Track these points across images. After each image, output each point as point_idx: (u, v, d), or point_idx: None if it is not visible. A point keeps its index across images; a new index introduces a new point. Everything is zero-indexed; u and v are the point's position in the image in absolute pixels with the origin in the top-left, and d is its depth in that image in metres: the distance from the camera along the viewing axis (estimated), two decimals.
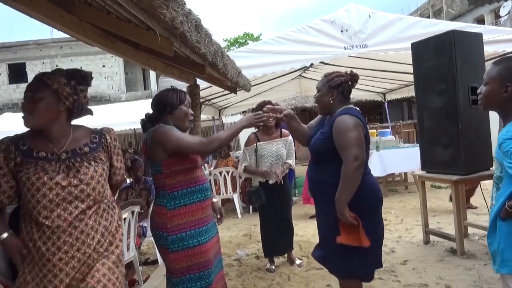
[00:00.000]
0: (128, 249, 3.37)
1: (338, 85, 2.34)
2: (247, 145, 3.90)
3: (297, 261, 3.83)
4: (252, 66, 5.24)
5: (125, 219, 3.25)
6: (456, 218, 3.46)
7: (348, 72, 2.42)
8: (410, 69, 7.18)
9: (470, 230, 4.06)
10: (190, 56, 2.56)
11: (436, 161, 3.65)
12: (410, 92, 9.61)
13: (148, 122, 2.29)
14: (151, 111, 2.32)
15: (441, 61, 3.49)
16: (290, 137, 3.89)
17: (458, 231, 3.46)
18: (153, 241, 2.43)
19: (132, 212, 3.38)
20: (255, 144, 3.82)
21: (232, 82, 3.91)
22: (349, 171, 2.13)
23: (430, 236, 3.98)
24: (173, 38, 2.07)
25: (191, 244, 2.13)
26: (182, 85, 4.95)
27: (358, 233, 2.18)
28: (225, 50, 3.24)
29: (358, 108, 2.43)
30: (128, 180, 4.58)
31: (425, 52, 3.67)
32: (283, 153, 3.79)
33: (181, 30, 1.88)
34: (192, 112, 2.31)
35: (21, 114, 1.79)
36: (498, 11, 17.69)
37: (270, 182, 3.66)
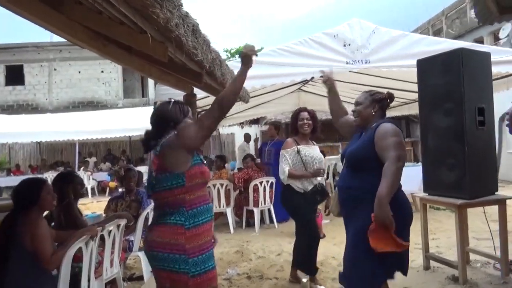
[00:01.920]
0: (111, 265, 3.17)
1: (380, 100, 2.55)
2: (285, 147, 3.69)
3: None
4: (252, 77, 4.97)
5: (109, 232, 3.07)
6: (460, 245, 3.29)
7: (386, 92, 2.62)
8: (411, 87, 7.18)
9: (472, 256, 3.88)
10: (187, 63, 2.41)
11: (439, 183, 3.50)
12: (410, 110, 9.52)
13: (150, 139, 2.07)
14: (150, 125, 2.12)
15: (448, 80, 3.36)
16: None
17: (461, 258, 3.29)
18: (148, 262, 2.14)
19: (118, 226, 3.19)
20: (296, 146, 3.63)
21: None
22: (393, 168, 2.19)
23: (431, 261, 3.80)
24: (168, 42, 1.93)
25: (210, 266, 1.99)
26: (179, 94, 4.81)
27: (390, 238, 2.17)
28: (225, 60, 3.10)
29: None
30: (119, 190, 4.39)
31: (431, 69, 3.55)
32: (322, 158, 3.75)
33: (176, 34, 1.74)
34: None
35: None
36: (498, 33, 17.78)
37: (319, 179, 3.61)
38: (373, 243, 2.17)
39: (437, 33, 25.56)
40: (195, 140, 1.91)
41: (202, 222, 1.98)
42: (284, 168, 3.56)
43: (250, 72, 5.51)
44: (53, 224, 3.21)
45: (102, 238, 3.03)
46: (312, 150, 3.67)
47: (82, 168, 12.85)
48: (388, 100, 2.58)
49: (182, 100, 4.65)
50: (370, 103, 2.53)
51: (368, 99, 2.54)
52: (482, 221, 5.07)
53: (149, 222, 2.20)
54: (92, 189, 12.45)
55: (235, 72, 4.04)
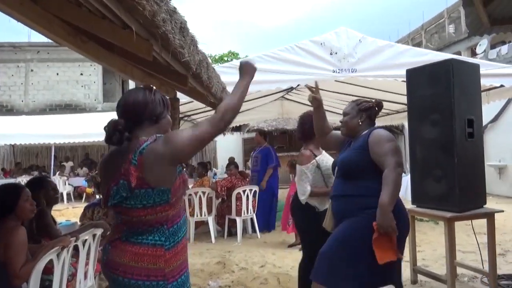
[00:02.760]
0: (85, 277, 2.96)
1: (367, 109, 2.53)
2: (303, 163, 3.17)
3: None
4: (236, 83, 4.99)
5: (84, 242, 2.87)
6: (449, 259, 3.22)
7: (374, 100, 2.63)
8: (395, 97, 7.22)
9: (459, 270, 3.83)
10: (172, 64, 2.27)
11: (428, 195, 3.43)
12: (392, 120, 9.60)
13: (123, 132, 1.59)
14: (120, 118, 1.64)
15: (437, 90, 3.31)
16: None
17: (450, 273, 3.22)
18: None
19: (94, 235, 2.99)
20: (314, 160, 3.14)
21: (216, 98, 3.63)
22: (394, 175, 2.17)
23: (418, 274, 3.72)
24: (153, 39, 1.78)
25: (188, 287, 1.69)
26: None
27: (393, 247, 2.15)
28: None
29: None
30: (97, 197, 4.17)
31: (420, 79, 3.50)
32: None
33: (163, 30, 1.60)
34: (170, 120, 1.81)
35: None
36: (475, 48, 18.24)
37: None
38: (378, 254, 2.12)
39: (417, 46, 26.11)
40: (188, 153, 1.57)
41: (181, 238, 1.65)
42: (306, 188, 3.06)
43: (236, 78, 5.41)
44: None
45: (76, 248, 2.83)
46: (326, 159, 3.19)
47: (58, 172, 12.43)
48: (377, 108, 2.59)
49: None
50: (357, 113, 2.54)
51: (354, 109, 2.55)
52: (467, 234, 5.08)
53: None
54: (68, 194, 12.04)
55: (222, 77, 3.95)
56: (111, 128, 1.59)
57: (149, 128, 1.64)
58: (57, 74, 18.36)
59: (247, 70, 1.82)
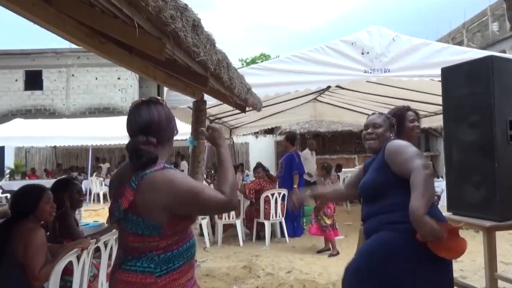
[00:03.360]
0: (108, 279, 2.96)
1: (395, 125, 2.43)
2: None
3: None
4: (265, 84, 4.92)
5: (106, 244, 2.87)
6: (488, 271, 2.97)
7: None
8: (431, 98, 6.88)
9: (500, 283, 3.54)
10: (189, 64, 2.22)
11: (464, 202, 3.19)
12: (430, 122, 9.19)
13: (152, 152, 1.48)
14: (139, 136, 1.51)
15: (476, 90, 3.08)
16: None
17: (490, 286, 2.97)
18: None
19: (116, 238, 2.99)
20: None
21: (240, 99, 3.56)
22: (422, 176, 1.92)
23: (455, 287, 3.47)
24: (165, 38, 1.73)
25: None
26: (189, 100, 4.65)
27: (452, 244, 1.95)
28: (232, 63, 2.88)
29: None
30: None
31: (457, 78, 3.27)
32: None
33: (172, 28, 1.54)
34: None
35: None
36: None
37: None
38: (450, 255, 1.99)
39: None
40: (184, 211, 1.49)
41: (180, 265, 1.52)
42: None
43: (264, 79, 5.33)
44: (47, 234, 3.03)
45: (99, 250, 2.84)
46: None
47: (95, 173, 12.82)
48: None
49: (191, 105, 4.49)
50: (389, 127, 2.40)
51: (386, 122, 2.40)
52: (510, 243, 4.74)
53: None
54: (104, 195, 12.38)
55: (247, 79, 3.88)
56: (140, 152, 1.46)
57: (165, 146, 1.57)
58: (96, 78, 19.03)
59: (214, 137, 1.66)
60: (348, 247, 5.07)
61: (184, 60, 2.12)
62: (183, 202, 1.44)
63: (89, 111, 18.80)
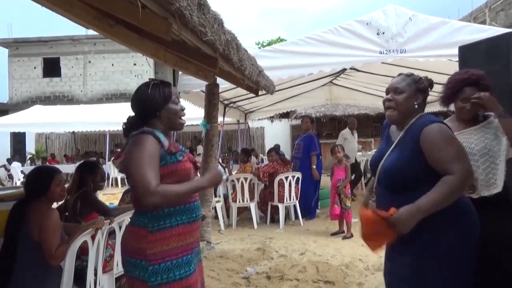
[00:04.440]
0: None
1: (426, 90, 1.98)
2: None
3: None
4: (277, 67, 4.87)
5: (121, 226, 2.93)
6: None
7: (425, 78, 2.04)
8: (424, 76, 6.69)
9: None
10: (197, 45, 2.21)
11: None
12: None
13: (130, 128, 1.82)
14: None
15: (495, 68, 2.97)
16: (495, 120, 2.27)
17: None
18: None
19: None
20: None
21: (251, 82, 3.54)
22: (457, 185, 1.71)
23: None
24: (171, 18, 1.72)
25: (177, 276, 1.70)
26: (201, 84, 4.64)
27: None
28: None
29: None
30: None
31: (474, 57, 3.17)
32: (493, 148, 2.17)
33: (177, 6, 1.53)
34: (184, 107, 1.88)
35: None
36: None
37: (474, 196, 2.14)
38: (367, 233, 1.83)
39: None
40: (127, 172, 1.70)
41: (172, 225, 1.71)
42: None
43: (276, 62, 5.26)
44: (67, 213, 3.12)
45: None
46: (467, 139, 2.20)
47: (112, 158, 13.04)
48: (429, 89, 2.02)
49: (203, 88, 4.48)
50: (414, 93, 1.94)
51: (412, 87, 1.94)
52: None
53: None
54: (122, 179, 12.60)
55: (259, 62, 3.84)
56: (124, 125, 1.87)
57: (153, 120, 1.80)
58: (112, 64, 19.19)
59: (212, 180, 1.88)
60: None
61: (192, 41, 2.11)
62: (127, 165, 1.67)
63: (106, 97, 19.04)
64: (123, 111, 10.93)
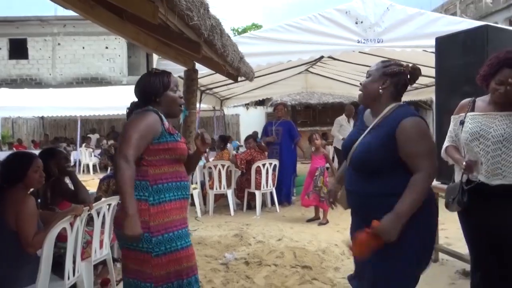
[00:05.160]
0: (101, 246, 3.00)
1: (394, 74, 1.95)
2: (457, 112, 2.48)
3: None
4: (257, 54, 4.84)
5: (98, 213, 2.88)
6: None
7: (410, 65, 2.03)
8: (425, 71, 6.82)
9: None
10: (182, 29, 2.17)
11: (453, 172, 3.26)
12: (418, 95, 9.23)
13: (133, 111, 2.04)
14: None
15: (470, 60, 3.07)
16: None
17: None
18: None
19: (109, 205, 3.00)
20: (465, 113, 2.34)
21: (233, 68, 3.52)
22: (425, 185, 1.81)
23: (439, 253, 3.60)
24: (159, 1, 1.67)
25: (179, 245, 1.89)
26: (179, 69, 4.56)
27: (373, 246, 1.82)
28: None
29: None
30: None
31: (451, 48, 3.27)
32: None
33: None
34: (182, 95, 2.08)
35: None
36: None
37: (472, 178, 2.22)
38: (356, 250, 1.88)
39: None
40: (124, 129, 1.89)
41: (170, 199, 1.90)
42: (446, 141, 2.52)
43: (256, 48, 5.23)
44: (38, 201, 3.03)
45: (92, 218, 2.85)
46: (492, 122, 2.16)
47: (84, 144, 12.72)
48: (409, 77, 1.99)
49: (182, 74, 4.43)
50: (380, 77, 1.96)
51: (379, 71, 1.97)
52: None
53: None
54: (94, 166, 12.33)
55: (241, 48, 3.81)
56: (128, 109, 2.10)
57: (154, 106, 1.97)
58: (83, 47, 18.54)
59: (132, 227, 1.73)
60: (337, 216, 5.14)
61: (177, 25, 2.06)
62: (124, 127, 1.89)
63: (76, 81, 18.43)
64: (95, 96, 10.72)
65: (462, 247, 3.84)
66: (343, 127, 7.69)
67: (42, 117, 15.93)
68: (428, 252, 2.01)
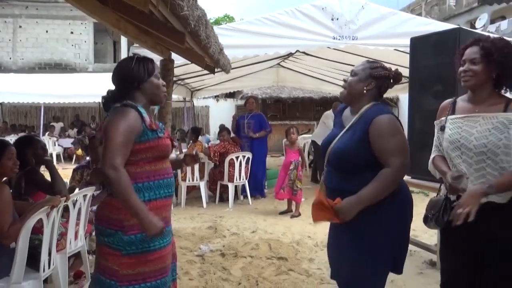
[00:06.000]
0: (76, 237, 2.93)
1: (380, 77, 2.01)
2: (438, 116, 2.16)
3: None
4: (234, 46, 4.82)
5: (74, 203, 2.81)
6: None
7: (394, 70, 2.07)
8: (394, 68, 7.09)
9: None
10: (169, 19, 2.13)
11: (424, 167, 3.39)
12: (389, 93, 9.49)
13: (111, 101, 1.87)
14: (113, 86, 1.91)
15: (442, 60, 3.21)
16: None
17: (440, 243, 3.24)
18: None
19: (84, 196, 2.93)
20: (445, 117, 2.05)
21: (213, 60, 3.50)
22: (393, 178, 1.87)
23: None
24: None
25: (151, 247, 1.77)
26: (155, 58, 4.48)
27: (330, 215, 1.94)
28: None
29: None
30: (87, 158, 4.09)
31: (425, 48, 3.40)
32: (497, 149, 1.78)
33: None
34: (165, 83, 1.93)
35: None
36: (474, 22, 17.97)
37: (451, 197, 1.92)
38: (313, 213, 2.01)
39: None
40: (107, 132, 1.73)
41: (150, 198, 1.78)
42: (433, 151, 2.20)
43: (233, 41, 5.21)
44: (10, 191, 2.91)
45: (67, 209, 2.78)
46: (472, 127, 1.87)
47: (47, 133, 12.24)
48: (392, 81, 2.04)
49: (158, 63, 4.36)
50: (366, 78, 2.00)
51: (366, 72, 2.01)
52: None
53: None
54: (58, 155, 11.90)
55: (220, 39, 3.78)
56: (104, 98, 1.89)
57: (135, 93, 1.84)
58: (47, 31, 17.73)
59: (150, 227, 1.69)
60: (309, 209, 5.22)
61: (164, 15, 2.03)
62: (105, 132, 1.74)
63: (38, 66, 17.63)
64: (59, 83, 10.29)
65: (428, 238, 4.06)
66: (328, 122, 7.78)
67: (1, 103, 15.14)
68: (404, 237, 2.14)
